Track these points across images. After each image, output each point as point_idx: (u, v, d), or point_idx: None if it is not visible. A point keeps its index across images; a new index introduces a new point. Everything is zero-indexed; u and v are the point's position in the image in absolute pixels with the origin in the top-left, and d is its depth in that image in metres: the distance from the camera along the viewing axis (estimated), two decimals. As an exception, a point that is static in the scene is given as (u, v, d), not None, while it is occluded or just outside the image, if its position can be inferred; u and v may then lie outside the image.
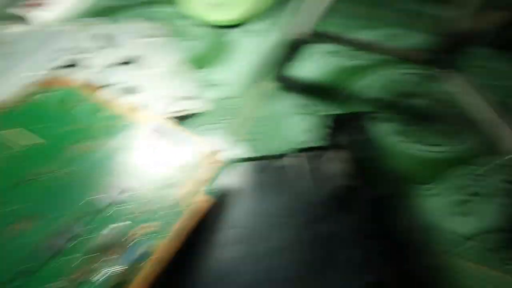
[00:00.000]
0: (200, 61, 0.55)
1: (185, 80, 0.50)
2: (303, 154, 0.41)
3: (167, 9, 0.64)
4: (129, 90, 0.48)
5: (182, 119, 0.47)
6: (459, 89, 0.39)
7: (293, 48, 0.45)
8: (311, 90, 0.50)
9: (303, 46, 0.45)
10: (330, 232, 0.35)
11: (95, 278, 0.28)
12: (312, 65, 0.54)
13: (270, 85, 0.51)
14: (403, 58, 0.51)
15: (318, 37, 0.44)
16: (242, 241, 0.36)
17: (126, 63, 0.52)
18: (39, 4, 0.59)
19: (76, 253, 0.29)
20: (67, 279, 0.28)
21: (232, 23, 0.60)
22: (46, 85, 0.42)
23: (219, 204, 0.36)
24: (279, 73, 0.50)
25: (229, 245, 0.36)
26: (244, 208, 0.39)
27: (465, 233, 0.38)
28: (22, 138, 0.36)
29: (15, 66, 0.47)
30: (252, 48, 0.57)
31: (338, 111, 0.47)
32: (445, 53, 0.40)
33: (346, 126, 0.40)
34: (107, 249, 0.28)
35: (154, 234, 0.31)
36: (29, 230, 0.30)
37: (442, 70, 0.41)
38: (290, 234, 0.36)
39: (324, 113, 0.47)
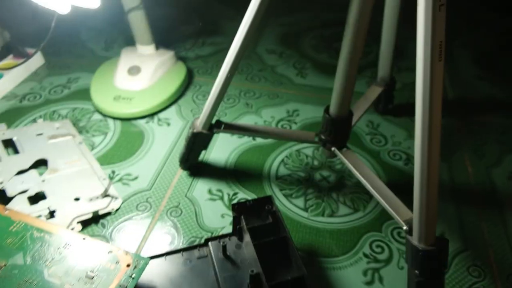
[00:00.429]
0: (111, 156, 0.56)
1: (95, 178, 0.51)
2: (214, 242, 0.44)
3: (75, 105, 0.66)
4: (36, 198, 0.47)
5: (92, 220, 0.47)
6: (353, 163, 0.45)
7: (196, 140, 0.49)
8: (226, 175, 0.54)
9: (206, 137, 0.49)
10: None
11: None
12: (227, 149, 0.58)
13: (184, 173, 0.54)
14: (298, 140, 0.57)
15: (218, 127, 0.48)
16: None
17: (31, 168, 0.52)
18: None
19: None
20: None
21: (140, 115, 0.63)
22: None
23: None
24: (190, 161, 0.53)
25: None
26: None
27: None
28: None
29: None
30: (162, 137, 0.60)
31: (253, 194, 0.51)
32: (334, 135, 0.46)
33: (252, 211, 0.43)
34: None
35: None
36: None
37: (336, 147, 0.46)
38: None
39: (237, 197, 0.51)
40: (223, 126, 0.49)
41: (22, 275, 0.36)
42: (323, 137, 0.48)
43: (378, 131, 0.62)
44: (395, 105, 0.65)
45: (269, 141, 0.59)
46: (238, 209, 0.43)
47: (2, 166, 0.50)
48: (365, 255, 0.45)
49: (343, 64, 0.42)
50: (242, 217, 0.42)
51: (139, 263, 0.39)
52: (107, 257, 0.39)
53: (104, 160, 0.56)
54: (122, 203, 0.50)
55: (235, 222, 0.43)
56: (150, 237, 0.46)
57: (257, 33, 0.86)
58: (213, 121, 0.49)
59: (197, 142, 0.49)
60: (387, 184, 0.43)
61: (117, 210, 0.49)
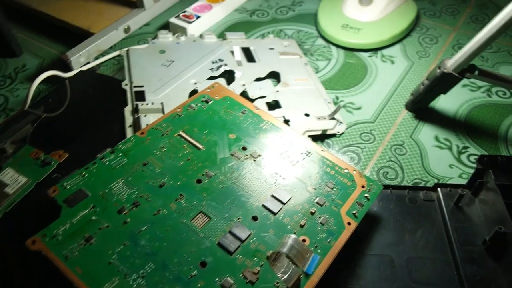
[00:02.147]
0: (334, 82, 0.57)
1: (320, 100, 0.53)
2: (444, 189, 0.42)
3: (299, 28, 0.68)
4: (273, 105, 0.51)
5: (319, 138, 0.49)
6: None
7: (441, 81, 0.46)
8: (455, 126, 0.50)
9: (453, 80, 0.45)
10: (482, 277, 0.35)
11: (265, 280, 0.31)
12: (457, 100, 0.54)
13: (409, 114, 0.52)
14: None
15: (471, 72, 0.44)
16: (383, 269, 0.37)
17: (267, 78, 0.56)
18: (191, 17, 0.65)
19: (246, 255, 0.32)
20: (237, 276, 0.31)
21: (365, 47, 0.62)
22: (209, 93, 0.46)
23: (362, 228, 0.37)
24: (421, 103, 0.50)
25: (370, 269, 0.37)
26: (386, 236, 0.40)
27: None
28: (188, 142, 0.40)
29: (179, 73, 0.52)
30: (386, 74, 0.58)
31: (485, 152, 0.47)
32: None
33: (502, 168, 0.39)
34: (287, 256, 0.30)
35: (319, 250, 0.33)
36: (206, 226, 0.34)
37: None
38: (434, 272, 0.36)
39: (467, 151, 0.47)
40: (477, 72, 0.44)
41: (271, 168, 0.40)
42: None
43: None
44: None
45: (509, 100, 0.53)
46: (487, 162, 0.39)
47: (244, 71, 0.55)
48: None
49: None
50: (491, 171, 0.39)
51: (372, 187, 0.40)
52: (344, 173, 0.41)
53: (328, 85, 0.57)
54: (346, 128, 0.50)
55: (476, 175, 0.41)
56: (373, 167, 0.46)
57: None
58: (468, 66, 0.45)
59: (442, 83, 0.46)
60: None
61: (341, 134, 0.50)
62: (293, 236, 0.29)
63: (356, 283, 0.36)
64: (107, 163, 0.37)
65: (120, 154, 0.38)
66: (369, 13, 0.63)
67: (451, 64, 0.45)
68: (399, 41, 0.64)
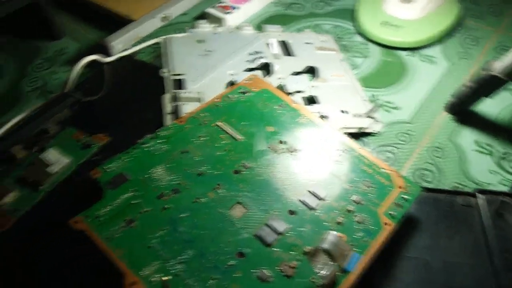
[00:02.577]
0: (371, 80, 0.56)
1: (357, 97, 0.52)
2: (484, 195, 0.41)
3: (336, 23, 0.67)
4: (310, 100, 0.51)
5: (355, 136, 0.49)
6: None
7: (487, 84, 0.44)
8: (496, 130, 0.49)
9: (499, 83, 0.44)
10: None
11: (301, 275, 0.31)
12: (499, 104, 0.52)
13: (448, 117, 0.51)
14: None
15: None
16: (419, 272, 0.37)
17: (303, 72, 0.55)
18: (228, 8, 0.65)
19: (283, 248, 0.32)
20: (273, 269, 0.31)
21: (405, 46, 0.61)
22: (246, 85, 0.46)
23: (400, 229, 0.37)
24: (463, 106, 0.49)
25: (405, 271, 0.36)
26: (422, 239, 0.39)
27: None
28: (226, 133, 0.41)
29: (217, 64, 0.52)
30: (425, 74, 0.57)
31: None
32: None
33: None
34: (327, 252, 0.30)
35: (356, 249, 0.33)
36: (244, 217, 0.34)
37: None
38: (472, 278, 0.36)
39: (510, 157, 0.46)
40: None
41: (308, 163, 0.40)
42: None
43: None
44: None
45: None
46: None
47: (281, 64, 0.55)
48: None
49: None
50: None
51: (411, 189, 0.40)
52: (381, 173, 0.40)
53: (364, 82, 0.56)
54: (383, 128, 0.50)
55: (518, 182, 0.40)
56: (409, 169, 0.46)
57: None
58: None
59: (487, 86, 0.45)
60: None
61: (377, 133, 0.49)
62: (334, 232, 0.29)
63: (392, 284, 0.36)
64: (147, 148, 0.37)
65: (160, 141, 0.38)
66: (411, 10, 0.62)
67: (499, 66, 0.44)
68: (439, 40, 0.62)
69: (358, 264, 0.31)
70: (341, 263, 0.28)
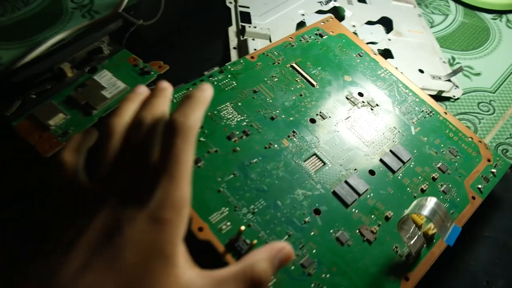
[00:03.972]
0: (450, 41, 0.50)
1: (436, 58, 0.47)
2: None
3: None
4: (384, 53, 0.45)
5: (434, 98, 0.44)
6: None
7: None
8: None
9: None
10: None
11: (382, 242, 0.28)
12: None
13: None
14: None
15: None
16: (494, 252, 0.33)
17: (378, 23, 0.49)
18: None
19: (363, 211, 0.29)
20: (353, 232, 0.28)
21: (491, 7, 0.54)
22: (323, 27, 0.41)
23: (483, 205, 0.33)
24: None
25: (483, 250, 0.33)
26: (501, 219, 0.35)
27: None
28: (301, 76, 0.36)
29: (287, 1, 0.47)
30: (509, 41, 0.51)
31: None
32: None
33: None
34: (431, 221, 0.27)
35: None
36: (321, 171, 0.30)
37: None
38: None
39: None
40: None
41: (389, 121, 0.35)
42: None
43: None
44: None
45: None
46: None
47: (354, 10, 0.49)
48: None
49: None
50: None
51: (499, 163, 0.35)
52: (468, 142, 0.36)
53: (443, 42, 0.50)
54: (462, 94, 0.45)
55: None
56: (490, 142, 0.41)
57: None
58: None
59: None
60: None
61: (457, 99, 0.44)
62: (435, 199, 0.25)
63: (468, 262, 0.32)
64: (215, 83, 0.33)
65: (229, 76, 0.34)
66: (502, -32, 0.55)
67: None
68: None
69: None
70: (443, 236, 0.24)
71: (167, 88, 0.23)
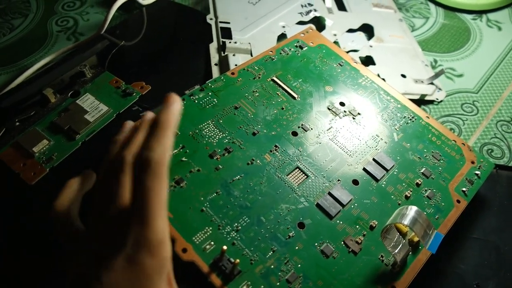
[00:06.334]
0: (432, 44, 0.51)
1: (417, 61, 0.47)
2: None
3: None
4: (364, 61, 0.46)
5: (416, 102, 0.44)
6: None
7: None
8: None
9: None
10: None
11: (368, 252, 0.28)
12: None
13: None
14: None
15: None
16: (483, 254, 0.33)
17: (360, 30, 0.50)
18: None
19: (347, 222, 0.29)
20: (337, 244, 0.28)
21: (470, 8, 0.55)
22: (303, 38, 0.41)
23: (469, 207, 0.33)
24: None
25: (472, 253, 0.33)
26: (488, 220, 0.35)
27: None
28: (282, 89, 0.36)
29: (267, 14, 0.47)
30: (492, 41, 0.51)
31: None
32: None
33: None
34: (412, 230, 0.27)
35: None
36: (304, 184, 0.30)
37: None
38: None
39: None
40: None
41: (371, 129, 0.36)
42: None
43: None
44: None
45: None
46: None
47: (335, 19, 0.49)
48: None
49: None
50: None
51: (483, 165, 0.36)
52: (451, 145, 0.36)
53: (425, 45, 0.50)
54: (446, 96, 0.45)
55: None
56: (475, 143, 0.41)
57: None
58: None
59: None
60: None
61: (440, 101, 0.44)
62: (415, 208, 0.25)
63: (456, 266, 0.32)
64: (196, 101, 0.34)
65: (210, 93, 0.34)
66: (480, -32, 0.56)
67: None
68: (508, 5, 0.56)
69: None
70: (425, 244, 0.24)
71: (151, 118, 0.24)
